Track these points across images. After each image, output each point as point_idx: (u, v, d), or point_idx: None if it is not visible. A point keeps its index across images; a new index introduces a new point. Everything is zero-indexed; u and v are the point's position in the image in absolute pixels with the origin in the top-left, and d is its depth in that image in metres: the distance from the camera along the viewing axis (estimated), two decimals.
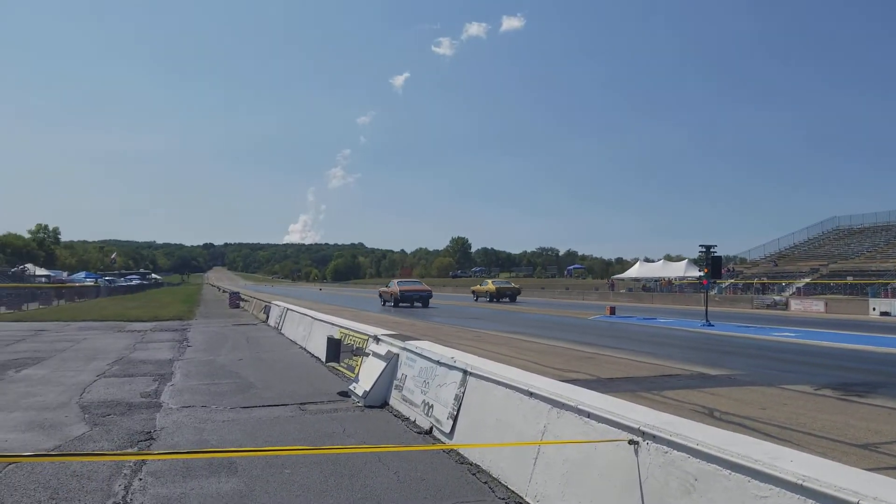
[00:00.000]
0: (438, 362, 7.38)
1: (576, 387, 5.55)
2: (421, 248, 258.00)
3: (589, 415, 4.64)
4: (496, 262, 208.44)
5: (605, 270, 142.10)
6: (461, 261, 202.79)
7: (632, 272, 67.61)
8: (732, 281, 57.19)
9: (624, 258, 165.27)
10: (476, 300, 51.56)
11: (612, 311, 32.24)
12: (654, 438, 4.00)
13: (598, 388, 7.28)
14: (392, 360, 8.74)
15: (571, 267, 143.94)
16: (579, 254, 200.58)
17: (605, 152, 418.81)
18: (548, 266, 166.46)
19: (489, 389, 6.12)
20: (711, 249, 24.88)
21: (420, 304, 39.02)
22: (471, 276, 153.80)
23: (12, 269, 62.08)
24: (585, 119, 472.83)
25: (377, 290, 53.63)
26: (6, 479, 5.52)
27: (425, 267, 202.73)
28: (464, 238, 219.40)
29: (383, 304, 40.91)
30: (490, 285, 51.41)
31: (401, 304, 38.87)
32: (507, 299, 49.04)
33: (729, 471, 3.48)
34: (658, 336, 20.32)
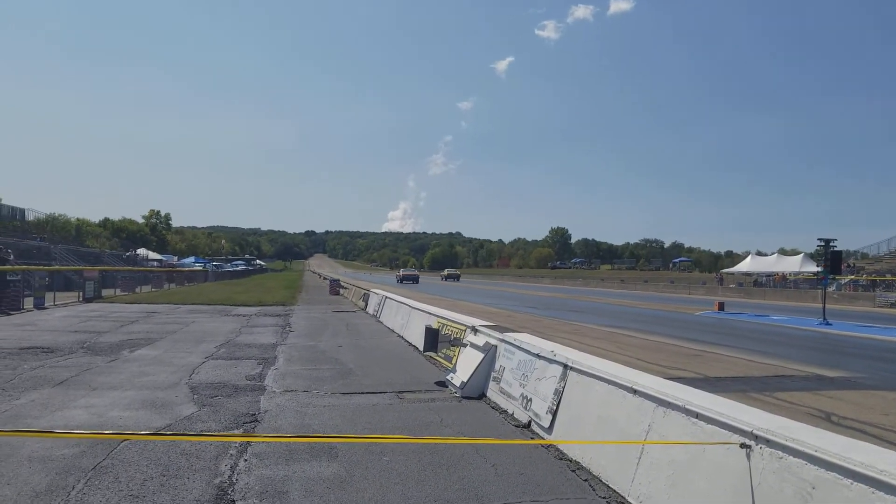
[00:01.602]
0: (538, 355, 7.34)
1: (682, 385, 5.40)
2: (519, 239, 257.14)
3: (697, 415, 4.51)
4: (597, 253, 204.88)
5: (713, 264, 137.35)
6: (560, 252, 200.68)
7: (742, 266, 65.05)
8: (852, 277, 54.18)
9: (734, 251, 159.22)
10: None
11: (721, 306, 31.20)
12: (768, 443, 3.85)
13: (705, 387, 7.07)
14: (490, 352, 8.76)
15: (677, 260, 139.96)
16: (686, 246, 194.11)
17: (714, 145, 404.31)
18: (652, 258, 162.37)
19: (590, 385, 6.04)
20: (831, 244, 23.62)
21: (412, 282, 70.51)
22: (570, 268, 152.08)
23: (127, 253, 65.87)
24: (691, 110, 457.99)
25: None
26: (121, 455, 5.88)
27: (523, 257, 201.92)
28: (563, 228, 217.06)
29: (398, 282, 69.76)
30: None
31: (403, 282, 69.52)
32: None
33: (850, 480, 3.31)
34: (770, 334, 19.52)
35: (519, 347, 7.98)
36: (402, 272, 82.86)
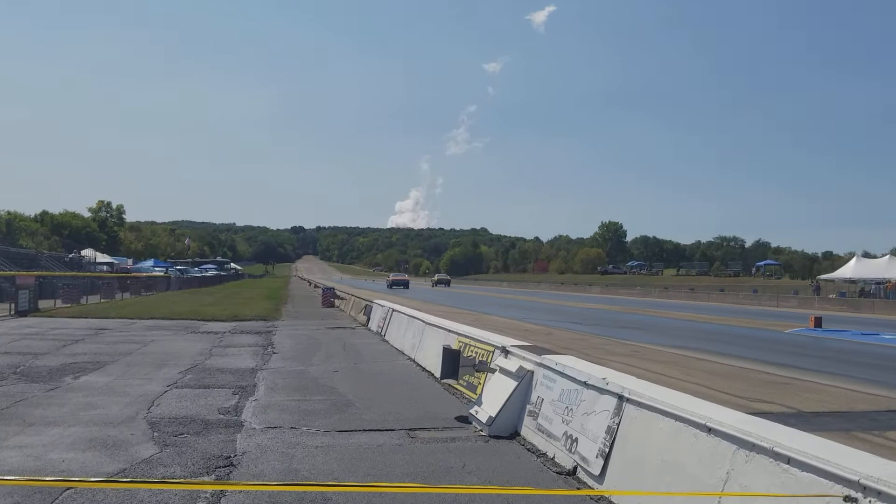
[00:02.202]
0: (585, 384, 7.32)
1: (768, 422, 5.36)
2: (561, 236, 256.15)
3: (789, 460, 4.48)
4: (659, 254, 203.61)
5: (806, 268, 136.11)
6: (613, 252, 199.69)
7: (845, 271, 64.58)
8: None
9: (834, 252, 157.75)
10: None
11: (818, 322, 30.97)
12: (880, 495, 3.81)
13: (797, 424, 7.01)
14: (525, 379, 8.75)
15: (761, 263, 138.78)
16: (772, 245, 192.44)
17: (807, 121, 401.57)
18: (729, 261, 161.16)
19: (652, 421, 6.01)
20: None
21: (403, 287, 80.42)
22: (625, 273, 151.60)
23: (70, 255, 66.44)
24: (782, 77, 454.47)
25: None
26: None
27: (566, 260, 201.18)
28: (616, 223, 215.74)
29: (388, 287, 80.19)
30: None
31: (392, 287, 77.56)
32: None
33: None
34: (881, 357, 19.35)
35: (561, 374, 7.96)
36: (392, 276, 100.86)
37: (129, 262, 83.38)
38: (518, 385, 8.76)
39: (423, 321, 16.55)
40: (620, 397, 6.59)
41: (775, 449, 4.61)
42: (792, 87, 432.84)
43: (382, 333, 21.08)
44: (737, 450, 4.94)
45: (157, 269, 77.72)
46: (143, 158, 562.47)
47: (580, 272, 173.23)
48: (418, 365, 14.86)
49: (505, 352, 9.90)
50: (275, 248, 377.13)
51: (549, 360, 8.51)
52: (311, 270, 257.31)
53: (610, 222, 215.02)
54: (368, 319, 24.98)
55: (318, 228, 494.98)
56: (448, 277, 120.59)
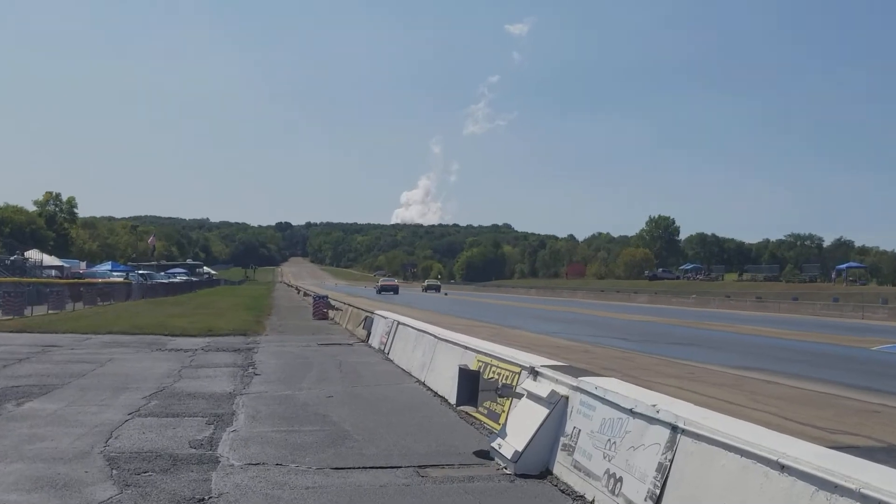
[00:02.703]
0: (632, 411, 7.30)
1: (854, 458, 5.33)
2: (601, 234, 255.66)
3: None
4: (719, 256, 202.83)
5: None
6: (663, 253, 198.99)
7: None
8: None
9: None
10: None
11: None
12: None
13: (889, 461, 6.97)
14: (558, 406, 8.73)
15: (843, 266, 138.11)
16: (856, 245, 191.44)
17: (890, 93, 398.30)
18: (804, 264, 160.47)
19: (713, 457, 5.99)
20: None
21: (393, 293, 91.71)
22: (678, 278, 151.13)
23: (11, 257, 66.65)
24: (879, 38, 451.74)
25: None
26: None
27: (606, 263, 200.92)
28: (667, 218, 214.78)
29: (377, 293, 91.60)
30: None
31: (382, 293, 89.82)
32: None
33: None
34: None
35: (603, 399, 7.94)
36: (381, 281, 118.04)
37: (83, 265, 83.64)
38: (550, 413, 8.75)
39: (435, 336, 16.50)
40: (674, 428, 6.57)
41: (863, 490, 4.58)
42: (890, 50, 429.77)
43: (386, 351, 21.09)
44: (816, 491, 4.91)
45: (115, 273, 77.94)
46: (98, 142, 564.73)
47: (623, 277, 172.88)
48: (429, 389, 14.86)
49: (534, 373, 9.88)
50: (256, 249, 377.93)
51: (588, 383, 8.49)
52: (299, 275, 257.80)
53: (660, 217, 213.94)
54: (369, 334, 24.99)
55: (308, 225, 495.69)
56: (439, 283, 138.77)
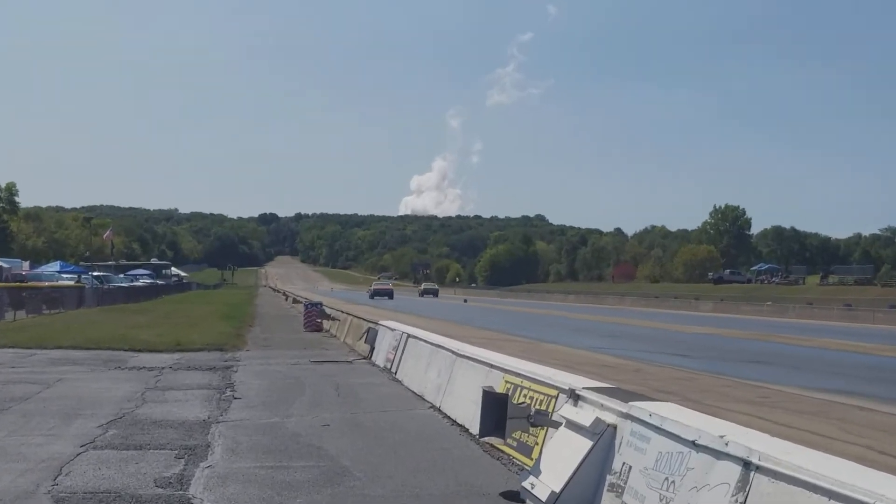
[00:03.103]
0: (694, 444, 7.26)
1: None
2: (655, 228, 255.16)
3: None
4: (800, 254, 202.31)
5: None
6: (731, 251, 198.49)
7: None
8: None
9: None
10: None
11: None
12: None
13: None
14: (604, 437, 8.69)
15: None
16: None
17: None
18: None
19: (795, 499, 5.94)
20: None
21: (387, 298, 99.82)
22: (749, 281, 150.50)
23: None
24: None
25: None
26: None
27: (661, 263, 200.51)
28: (736, 208, 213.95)
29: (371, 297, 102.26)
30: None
31: (374, 297, 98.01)
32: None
33: None
34: None
35: (658, 429, 7.90)
36: (374, 285, 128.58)
37: (25, 265, 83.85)
38: (594, 446, 8.71)
39: (454, 352, 16.46)
40: (747, 464, 6.52)
41: None
42: None
43: (393, 370, 21.08)
44: None
45: (65, 275, 77.85)
46: (42, 119, 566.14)
47: (682, 280, 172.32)
48: (446, 416, 14.86)
49: (574, 397, 9.83)
50: (235, 246, 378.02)
51: (641, 409, 8.44)
52: (287, 278, 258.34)
53: (727, 207, 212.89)
54: (372, 350, 24.99)
55: (299, 217, 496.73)
56: (436, 287, 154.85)
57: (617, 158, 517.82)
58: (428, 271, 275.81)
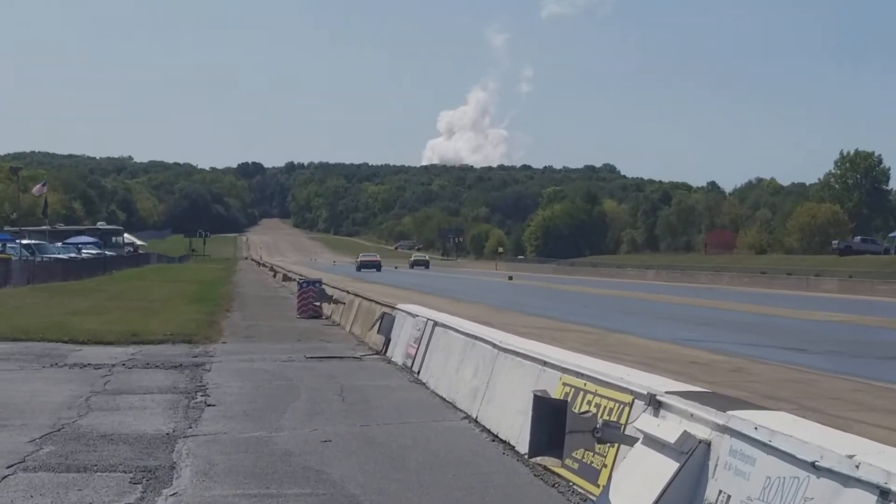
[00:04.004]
0: (814, 465, 7.24)
1: None
2: (762, 182, 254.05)
3: None
4: None
5: None
6: (864, 212, 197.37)
7: None
8: None
9: None
10: None
11: None
12: None
13: None
14: (694, 457, 8.69)
15: None
16: None
17: None
18: None
19: None
20: None
21: (375, 270, 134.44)
22: (886, 252, 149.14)
23: None
24: None
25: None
26: None
27: (770, 228, 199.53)
28: (870, 156, 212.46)
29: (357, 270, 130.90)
30: None
31: (361, 270, 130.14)
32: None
33: None
34: None
35: (767, 446, 7.88)
36: (361, 256, 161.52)
37: None
38: (681, 469, 8.71)
39: (495, 344, 16.45)
40: (884, 493, 6.52)
41: None
42: None
43: (414, 368, 21.14)
44: None
45: None
46: None
47: (797, 250, 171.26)
48: (484, 429, 14.89)
49: (655, 404, 9.83)
50: (208, 206, 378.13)
51: (743, 420, 8.43)
52: (276, 247, 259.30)
53: (857, 154, 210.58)
54: (388, 342, 25.04)
55: (290, 168, 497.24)
56: (427, 258, 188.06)
57: (710, 92, 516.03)
58: (460, 239, 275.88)
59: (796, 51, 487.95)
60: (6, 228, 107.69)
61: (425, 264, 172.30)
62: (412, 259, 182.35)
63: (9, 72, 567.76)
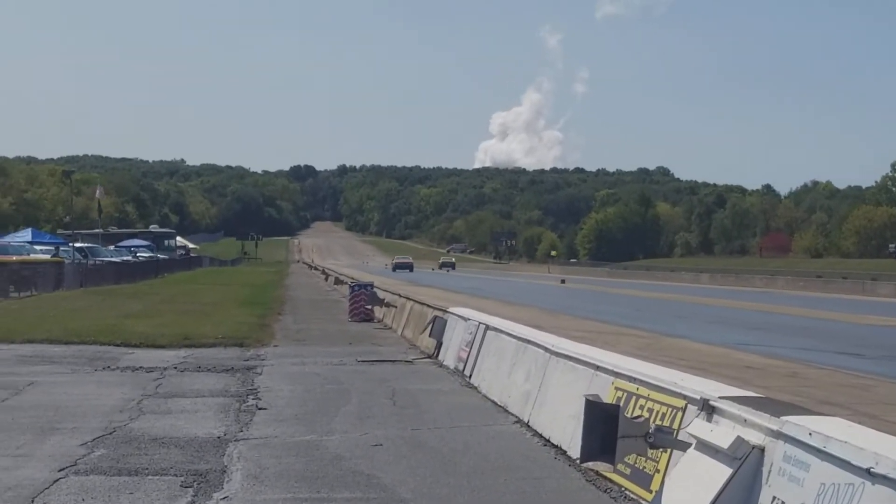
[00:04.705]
0: (869, 472, 7.16)
1: None
2: (817, 185, 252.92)
3: None
4: None
5: None
6: None
7: None
8: None
9: None
10: None
11: None
12: None
13: None
14: (748, 463, 8.64)
15: None
16: None
17: None
18: None
19: None
20: None
21: (408, 270, 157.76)
22: None
23: None
24: None
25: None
26: None
27: (826, 231, 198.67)
28: None
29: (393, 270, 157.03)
30: None
31: (396, 270, 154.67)
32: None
33: None
34: None
35: (821, 452, 7.82)
36: (396, 259, 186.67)
37: None
38: (734, 475, 8.66)
39: (547, 349, 16.40)
40: None
41: None
42: None
43: (466, 372, 21.11)
44: None
45: (38, 247, 78.34)
46: (9, 48, 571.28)
47: (853, 254, 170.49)
48: (536, 433, 14.86)
49: (708, 409, 9.78)
50: (260, 209, 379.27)
51: (797, 426, 8.37)
52: (328, 251, 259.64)
53: None
54: (439, 345, 25.01)
55: (343, 171, 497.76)
56: (453, 260, 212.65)
57: (765, 94, 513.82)
58: (513, 242, 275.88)
59: (853, 52, 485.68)
60: (59, 232, 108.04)
61: (451, 266, 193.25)
62: (440, 261, 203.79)
63: (62, 76, 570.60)
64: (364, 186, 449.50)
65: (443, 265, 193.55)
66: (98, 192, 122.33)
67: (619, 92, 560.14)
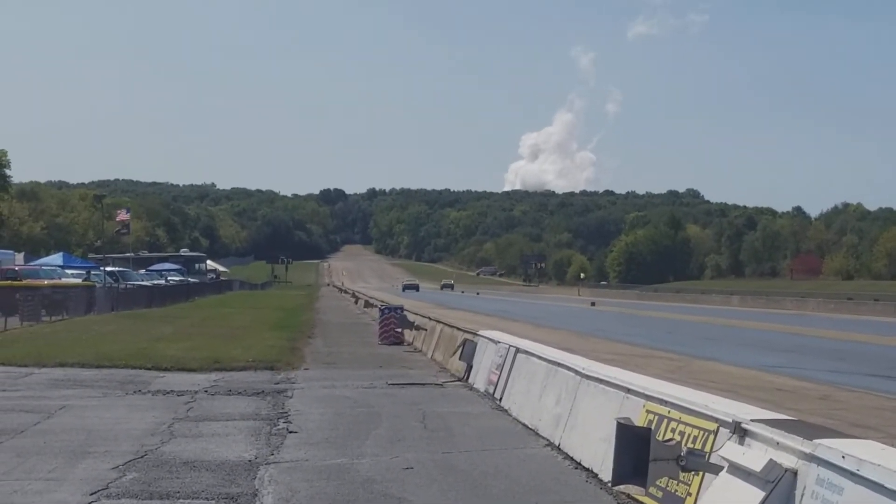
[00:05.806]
0: None
1: None
2: (849, 207, 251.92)
3: None
4: None
5: None
6: None
7: None
8: None
9: None
10: None
11: None
12: None
13: None
14: (780, 487, 8.61)
15: None
16: None
17: None
18: None
19: None
20: None
21: (415, 290, 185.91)
22: None
23: None
24: None
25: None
26: None
27: (857, 253, 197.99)
28: None
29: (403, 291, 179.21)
30: None
31: (405, 291, 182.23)
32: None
33: None
34: None
35: (854, 476, 7.79)
36: (405, 281, 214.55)
37: (19, 257, 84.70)
38: (767, 497, 8.63)
39: (578, 371, 16.38)
40: None
41: None
42: None
43: (496, 395, 21.06)
44: None
45: (70, 270, 78.42)
46: (42, 75, 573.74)
47: (885, 276, 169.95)
48: (567, 456, 14.81)
49: (740, 432, 9.75)
50: (290, 232, 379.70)
51: (830, 448, 8.34)
52: (357, 274, 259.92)
53: None
54: (470, 368, 24.97)
55: (372, 194, 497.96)
56: (452, 282, 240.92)
57: (796, 116, 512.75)
58: (542, 265, 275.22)
59: (886, 75, 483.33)
60: (90, 256, 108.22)
61: (451, 287, 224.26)
62: (442, 283, 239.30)
63: (93, 100, 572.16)
64: (394, 210, 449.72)
65: (444, 286, 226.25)
66: (123, 215, 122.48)
67: (650, 112, 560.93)
